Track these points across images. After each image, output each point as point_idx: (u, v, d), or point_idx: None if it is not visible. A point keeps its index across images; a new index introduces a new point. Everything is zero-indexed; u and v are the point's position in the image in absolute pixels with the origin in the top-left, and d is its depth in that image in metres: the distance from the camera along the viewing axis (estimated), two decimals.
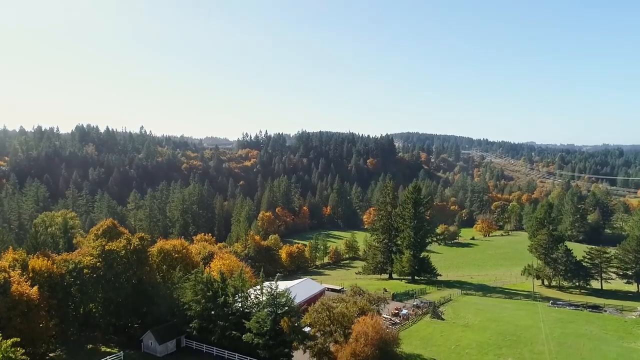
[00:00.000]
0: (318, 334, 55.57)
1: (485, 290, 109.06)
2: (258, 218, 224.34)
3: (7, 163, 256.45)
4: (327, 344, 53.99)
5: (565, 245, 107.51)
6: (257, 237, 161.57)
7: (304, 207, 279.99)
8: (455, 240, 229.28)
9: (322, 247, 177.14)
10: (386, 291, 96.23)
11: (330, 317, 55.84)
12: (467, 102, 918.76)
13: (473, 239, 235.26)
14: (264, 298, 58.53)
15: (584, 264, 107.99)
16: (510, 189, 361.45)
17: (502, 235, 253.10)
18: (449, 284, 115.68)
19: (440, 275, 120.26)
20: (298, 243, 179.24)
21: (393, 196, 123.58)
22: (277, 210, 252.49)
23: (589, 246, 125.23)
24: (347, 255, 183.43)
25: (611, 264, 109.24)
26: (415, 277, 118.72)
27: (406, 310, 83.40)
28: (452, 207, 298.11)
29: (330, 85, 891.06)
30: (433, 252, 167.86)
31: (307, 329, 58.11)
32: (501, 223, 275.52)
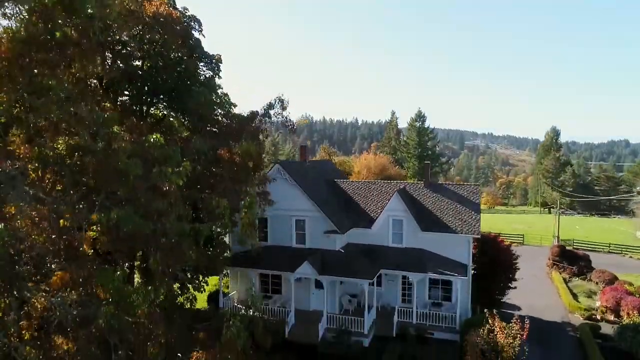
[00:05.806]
0: None
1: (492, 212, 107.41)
2: None
3: None
4: None
5: (573, 170, 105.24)
6: None
7: None
8: None
9: None
10: None
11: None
12: (469, 99, 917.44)
13: None
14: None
15: (592, 186, 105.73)
16: (516, 173, 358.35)
17: (506, 208, 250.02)
18: None
19: None
20: None
21: (397, 131, 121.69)
22: None
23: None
24: None
25: (621, 189, 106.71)
26: None
27: None
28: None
29: (332, 81, 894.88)
30: None
31: None
32: (506, 201, 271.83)
